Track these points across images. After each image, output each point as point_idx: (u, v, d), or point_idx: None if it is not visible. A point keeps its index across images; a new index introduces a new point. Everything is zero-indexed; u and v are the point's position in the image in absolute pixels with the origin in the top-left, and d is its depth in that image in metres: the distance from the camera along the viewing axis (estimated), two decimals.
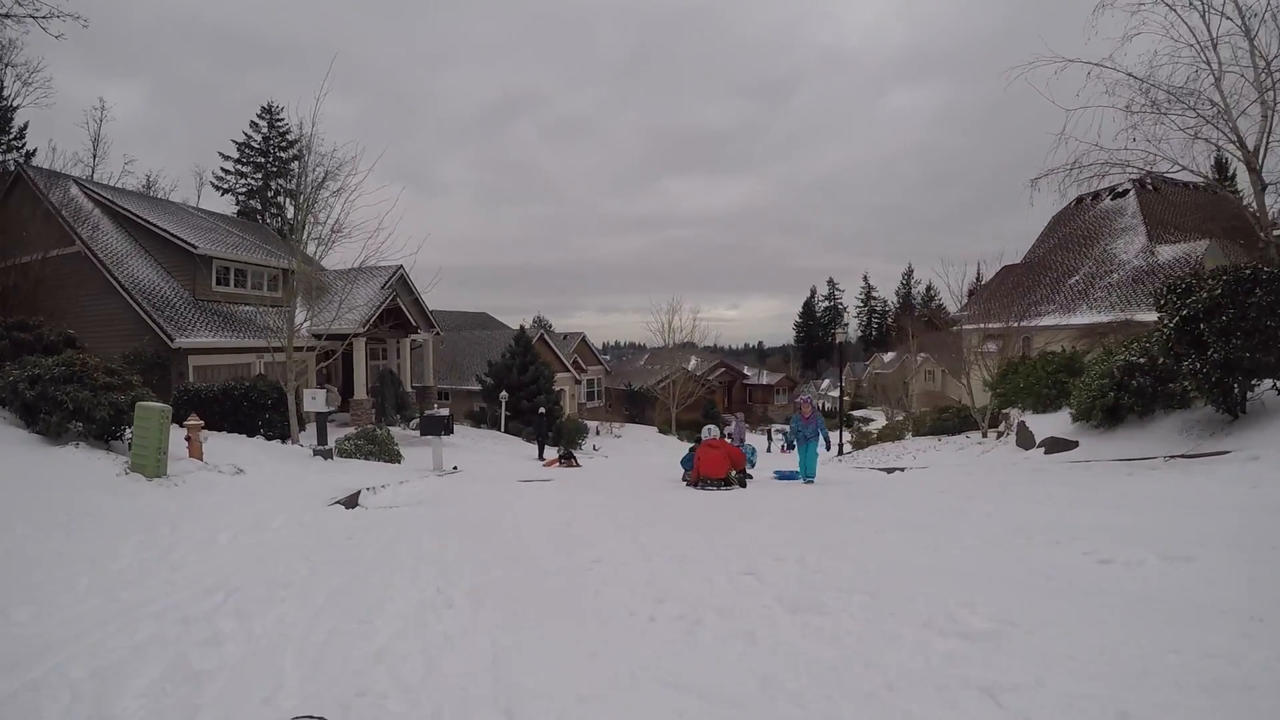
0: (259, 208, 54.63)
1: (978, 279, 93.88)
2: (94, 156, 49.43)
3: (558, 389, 30.18)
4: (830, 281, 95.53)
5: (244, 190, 54.97)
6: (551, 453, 23.33)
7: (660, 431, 38.02)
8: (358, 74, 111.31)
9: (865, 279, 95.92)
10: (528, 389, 27.94)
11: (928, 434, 22.69)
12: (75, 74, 67.30)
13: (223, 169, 55.00)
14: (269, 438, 16.49)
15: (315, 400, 13.83)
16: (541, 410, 21.85)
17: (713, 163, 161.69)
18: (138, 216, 25.34)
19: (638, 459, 24.59)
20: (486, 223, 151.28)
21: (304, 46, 73.23)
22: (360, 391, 25.18)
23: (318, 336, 25.92)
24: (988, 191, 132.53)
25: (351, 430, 17.08)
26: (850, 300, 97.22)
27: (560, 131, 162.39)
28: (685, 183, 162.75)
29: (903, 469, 13.30)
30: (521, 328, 29.84)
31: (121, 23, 73.47)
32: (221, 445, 13.53)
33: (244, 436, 16.21)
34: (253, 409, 16.87)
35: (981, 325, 30.38)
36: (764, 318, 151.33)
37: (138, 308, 21.91)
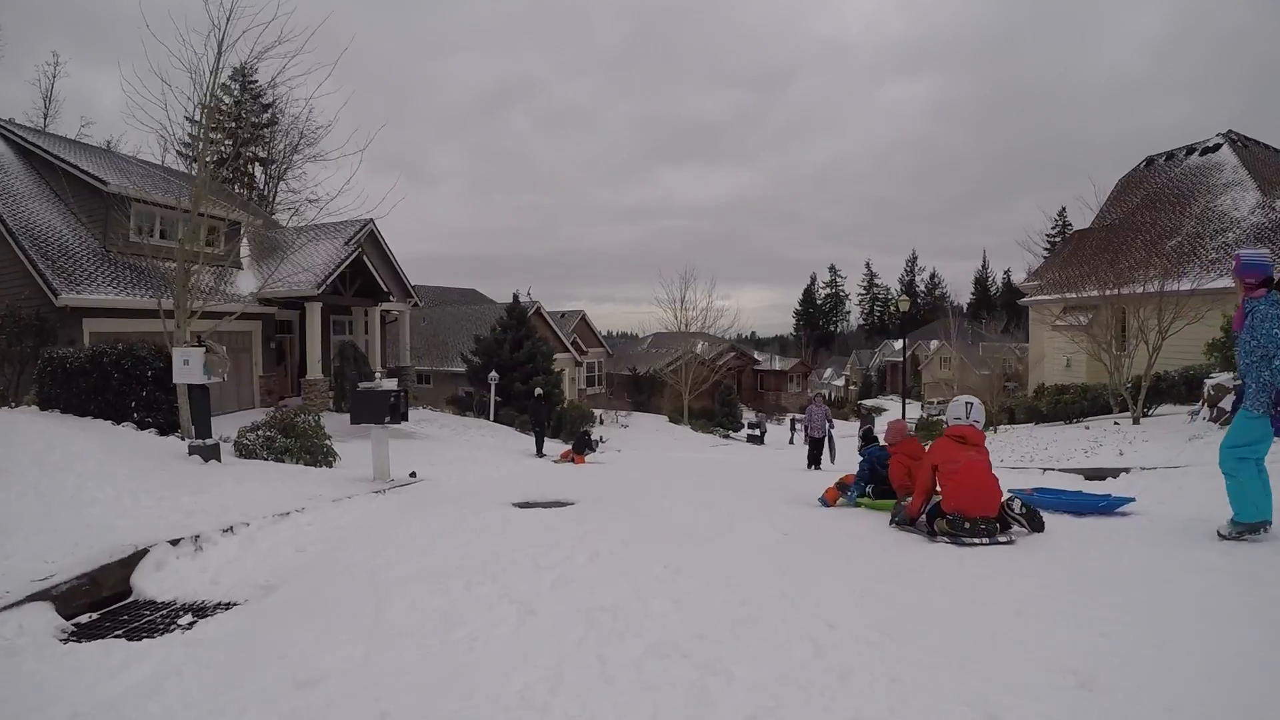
0: (228, 176, 48.48)
1: (984, 266, 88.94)
2: (45, 116, 43.35)
3: (557, 369, 24.74)
4: (832, 268, 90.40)
5: (213, 159, 48.80)
6: (552, 447, 17.89)
7: (670, 420, 32.70)
8: (352, 63, 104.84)
9: (868, 265, 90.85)
10: (522, 369, 22.46)
11: (1029, 420, 17.50)
12: (70, 65, 60.42)
13: (190, 135, 48.69)
14: (143, 425, 11.02)
15: (188, 366, 8.38)
16: (538, 392, 16.43)
17: (707, 153, 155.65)
18: (45, 151, 19.81)
19: (662, 453, 19.23)
20: (479, 212, 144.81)
21: (297, 34, 67.39)
22: (315, 370, 19.67)
23: (265, 301, 20.42)
24: (980, 185, 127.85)
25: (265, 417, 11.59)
26: (851, 288, 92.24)
27: (555, 121, 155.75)
28: (679, 173, 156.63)
29: (1123, 471, 7.86)
30: (515, 297, 24.35)
31: (110, 11, 66.64)
32: (36, 436, 8.11)
33: (110, 424, 10.88)
34: (125, 384, 11.40)
35: (1065, 295, 25.29)
36: (756, 308, 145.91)
37: (20, 253, 16.38)
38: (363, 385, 8.50)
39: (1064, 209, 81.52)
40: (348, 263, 20.37)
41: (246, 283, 21.02)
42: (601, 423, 25.61)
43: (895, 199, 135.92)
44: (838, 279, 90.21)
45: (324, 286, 19.36)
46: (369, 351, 22.22)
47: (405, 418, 8.61)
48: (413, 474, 9.10)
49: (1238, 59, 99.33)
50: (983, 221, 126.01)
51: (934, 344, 63.45)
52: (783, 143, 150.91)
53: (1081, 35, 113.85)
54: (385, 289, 21.95)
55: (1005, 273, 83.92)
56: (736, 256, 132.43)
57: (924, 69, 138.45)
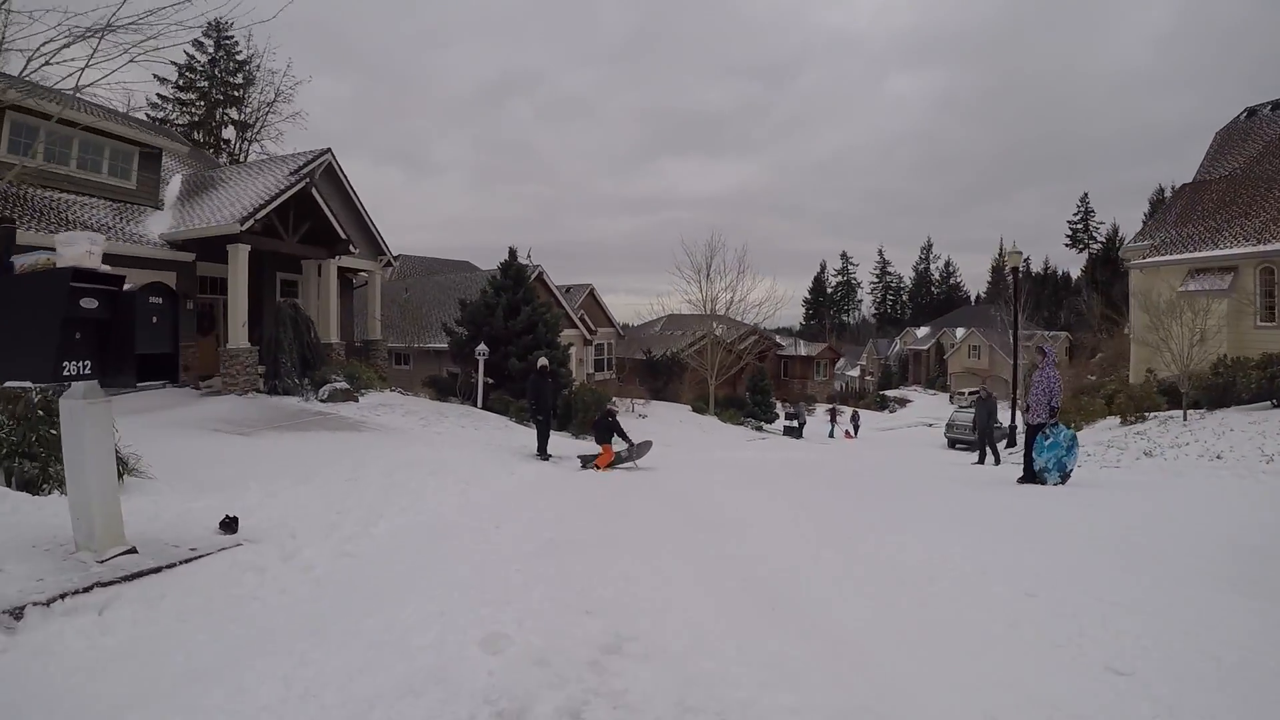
0: (200, 140, 42.65)
1: (1000, 254, 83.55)
2: None
3: (564, 344, 19.18)
4: (844, 255, 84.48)
5: (184, 123, 42.96)
6: (563, 444, 12.43)
7: (694, 410, 27.23)
8: (354, 53, 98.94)
9: (880, 253, 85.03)
10: (520, 340, 16.89)
11: (1210, 403, 11.98)
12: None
13: (159, 95, 42.72)
14: None
15: None
16: (543, 363, 10.87)
17: (711, 145, 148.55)
18: None
19: (712, 452, 13.79)
20: (481, 203, 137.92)
21: (298, 22, 62.50)
22: (239, 337, 14.12)
23: (178, 246, 14.95)
24: (983, 179, 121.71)
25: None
26: (862, 277, 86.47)
27: (558, 112, 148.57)
28: (682, 164, 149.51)
29: None
30: (511, 252, 18.77)
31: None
32: None
33: None
34: None
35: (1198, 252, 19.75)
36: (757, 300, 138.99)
37: None
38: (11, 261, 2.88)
39: (1086, 194, 76.18)
40: (289, 194, 14.81)
41: (161, 226, 15.50)
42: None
43: (898, 192, 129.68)
44: (849, 266, 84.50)
45: (252, 222, 13.80)
46: (323, 318, 16.68)
47: (156, 373, 3.03)
48: (227, 522, 3.56)
49: (1242, 53, 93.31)
50: (985, 215, 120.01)
51: (960, 331, 57.98)
52: (787, 134, 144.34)
53: (1087, 29, 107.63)
54: (344, 236, 16.37)
55: (1026, 260, 78.54)
56: (738, 247, 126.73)
57: (930, 61, 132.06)
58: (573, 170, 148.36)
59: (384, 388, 15.89)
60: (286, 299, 15.13)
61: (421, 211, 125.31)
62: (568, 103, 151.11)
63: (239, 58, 43.49)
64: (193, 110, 43.18)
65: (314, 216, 15.77)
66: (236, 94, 43.14)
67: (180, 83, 43.01)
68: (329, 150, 17.77)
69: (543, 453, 10.52)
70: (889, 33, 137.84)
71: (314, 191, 15.55)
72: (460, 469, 7.56)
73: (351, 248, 16.87)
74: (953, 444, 25.99)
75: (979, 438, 14.23)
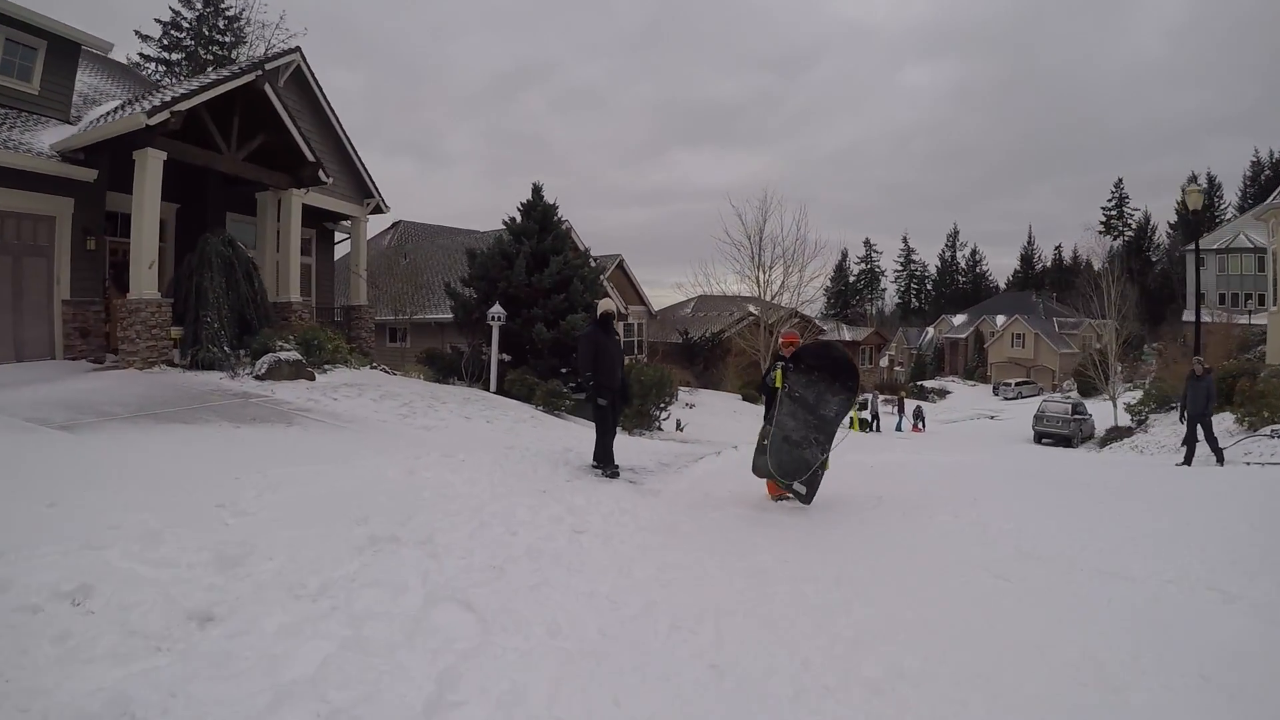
0: None
1: (1029, 243, 78.19)
2: None
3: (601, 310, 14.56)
4: (867, 242, 78.92)
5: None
6: (634, 448, 7.86)
7: (744, 399, 22.64)
8: (365, 46, 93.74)
9: (905, 240, 79.72)
10: (549, 301, 12.19)
11: None
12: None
13: (141, 54, 37.95)
14: None
15: None
16: (605, 310, 6.25)
17: (724, 136, 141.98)
18: None
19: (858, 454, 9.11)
20: (492, 194, 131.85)
21: (311, 16, 58.10)
22: (144, 283, 9.41)
23: (70, 158, 10.36)
24: (995, 172, 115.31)
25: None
26: (885, 265, 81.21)
27: (571, 103, 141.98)
28: (694, 156, 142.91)
29: None
30: (536, 189, 14.07)
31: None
32: None
33: None
34: None
35: None
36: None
37: None
38: None
39: (1120, 179, 70.89)
40: (230, 86, 10.16)
41: (61, 137, 10.88)
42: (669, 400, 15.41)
43: (912, 184, 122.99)
44: (873, 254, 79.21)
45: (166, 114, 9.12)
46: (281, 268, 12.06)
47: None
48: None
49: (1254, 47, 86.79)
50: (998, 208, 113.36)
51: (1000, 319, 53.00)
52: (801, 126, 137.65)
53: (1101, 21, 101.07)
54: (312, 157, 11.69)
55: (1055, 249, 73.43)
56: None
57: (945, 52, 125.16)
58: (584, 161, 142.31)
59: (362, 363, 11.29)
60: (218, 232, 10.40)
61: (434, 204, 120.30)
62: (581, 94, 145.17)
63: (228, 14, 38.85)
64: (178, 71, 38.48)
65: (270, 127, 11.12)
66: (225, 54, 38.53)
67: (165, 42, 38.34)
68: (298, 49, 13.15)
69: (607, 462, 5.88)
70: (905, 24, 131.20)
71: (268, 90, 10.88)
72: (454, 525, 2.92)
73: (323, 175, 12.19)
74: (1039, 438, 21.86)
75: (1189, 428, 9.71)
